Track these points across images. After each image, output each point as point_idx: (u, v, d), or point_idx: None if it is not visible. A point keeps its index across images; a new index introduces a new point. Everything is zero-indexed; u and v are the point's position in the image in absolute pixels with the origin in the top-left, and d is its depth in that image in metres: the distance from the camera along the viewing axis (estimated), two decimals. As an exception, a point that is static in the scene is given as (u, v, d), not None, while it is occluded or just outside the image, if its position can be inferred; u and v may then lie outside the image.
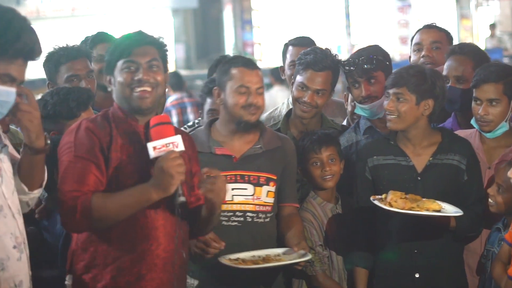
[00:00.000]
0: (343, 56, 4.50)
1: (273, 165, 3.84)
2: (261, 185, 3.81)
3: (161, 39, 3.33)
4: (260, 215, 3.81)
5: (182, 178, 3.09)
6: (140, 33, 3.30)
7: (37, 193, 3.12)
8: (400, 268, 3.86)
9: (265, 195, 3.82)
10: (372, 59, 4.19)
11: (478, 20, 19.70)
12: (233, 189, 3.76)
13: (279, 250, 3.74)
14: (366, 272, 3.96)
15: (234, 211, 3.78)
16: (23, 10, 15.88)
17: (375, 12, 15.45)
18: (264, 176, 3.82)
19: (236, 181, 3.78)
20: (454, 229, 3.76)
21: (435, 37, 4.76)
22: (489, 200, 3.76)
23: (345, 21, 15.45)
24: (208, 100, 4.42)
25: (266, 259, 3.67)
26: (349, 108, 4.75)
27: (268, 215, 3.84)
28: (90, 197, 3.10)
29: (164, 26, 15.92)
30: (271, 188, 3.83)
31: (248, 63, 3.87)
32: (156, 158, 3.10)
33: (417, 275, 3.82)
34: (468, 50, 4.32)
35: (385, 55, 4.31)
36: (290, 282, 4.03)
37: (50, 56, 4.32)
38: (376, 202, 3.66)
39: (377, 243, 3.93)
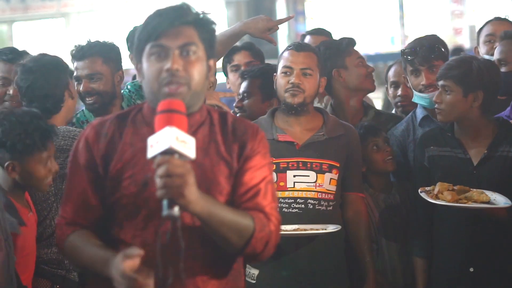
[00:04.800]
0: (397, 47, 4.55)
1: (336, 152, 3.85)
2: (323, 172, 3.82)
3: (205, 16, 2.60)
4: (322, 202, 3.81)
5: None
6: (175, 9, 2.57)
7: None
8: (454, 261, 3.82)
9: (328, 182, 3.82)
10: (434, 48, 4.21)
11: (534, 10, 19.40)
12: (295, 176, 3.80)
13: (327, 226, 3.74)
14: (425, 262, 3.93)
15: (295, 198, 3.79)
16: (77, 3, 15.95)
17: (429, 2, 15.33)
18: (327, 163, 3.83)
19: (298, 168, 3.80)
20: (505, 221, 3.69)
21: (509, 29, 4.74)
22: None
23: (399, 11, 15.37)
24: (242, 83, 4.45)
25: (303, 231, 3.68)
26: (391, 97, 4.81)
27: (331, 203, 3.84)
28: (67, 234, 2.61)
29: (217, 18, 15.98)
30: (334, 175, 3.84)
31: (299, 46, 3.92)
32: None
33: (471, 269, 3.78)
34: None
35: (444, 45, 4.34)
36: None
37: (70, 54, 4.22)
38: (423, 195, 3.65)
39: (434, 233, 3.91)
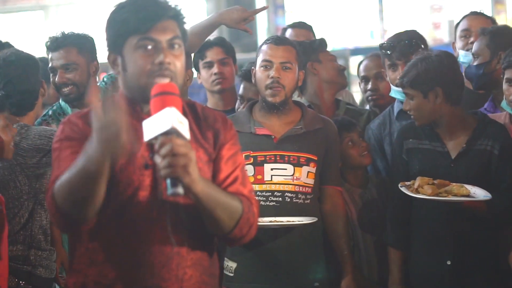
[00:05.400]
0: (376, 41, 4.61)
1: (314, 146, 3.85)
2: (301, 166, 3.82)
3: (182, 11, 2.62)
4: (300, 195, 3.82)
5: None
6: (156, 2, 2.58)
7: None
8: (432, 254, 3.84)
9: (305, 175, 3.82)
10: (412, 43, 4.24)
11: (512, 5, 19.48)
12: (272, 169, 3.80)
13: (303, 218, 3.76)
14: (400, 254, 3.94)
15: (272, 191, 3.80)
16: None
17: (408, -4, 15.41)
18: (305, 157, 3.83)
19: (275, 161, 3.81)
20: (485, 214, 3.71)
21: (484, 24, 4.77)
22: None
23: (378, 5, 15.39)
24: (241, 85, 4.47)
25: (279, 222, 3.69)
26: (362, 92, 4.88)
27: (308, 196, 3.84)
28: (52, 187, 2.48)
29: (197, 11, 15.93)
30: (312, 169, 3.84)
31: (278, 40, 3.92)
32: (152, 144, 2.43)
33: (448, 262, 3.79)
34: (489, 31, 4.37)
35: (423, 40, 4.37)
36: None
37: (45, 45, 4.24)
38: (403, 189, 3.67)
39: (412, 227, 3.92)
